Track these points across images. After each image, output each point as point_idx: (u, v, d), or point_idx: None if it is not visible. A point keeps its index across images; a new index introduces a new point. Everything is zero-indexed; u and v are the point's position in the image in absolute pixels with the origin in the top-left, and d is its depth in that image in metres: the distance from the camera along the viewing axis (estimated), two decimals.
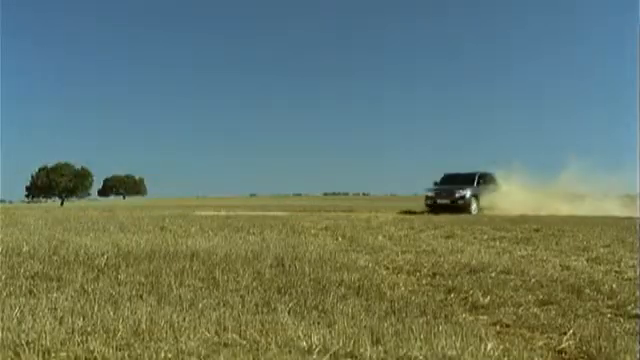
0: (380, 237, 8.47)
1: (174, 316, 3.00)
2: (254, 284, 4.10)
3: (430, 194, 21.79)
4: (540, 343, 2.75)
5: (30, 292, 3.75)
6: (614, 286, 4.13)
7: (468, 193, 20.95)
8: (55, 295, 3.63)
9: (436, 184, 22.65)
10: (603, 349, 2.59)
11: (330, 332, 2.74)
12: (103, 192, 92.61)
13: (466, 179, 22.07)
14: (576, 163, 24.41)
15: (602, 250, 6.64)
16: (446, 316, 3.20)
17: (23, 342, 2.48)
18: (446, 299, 3.79)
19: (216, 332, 2.73)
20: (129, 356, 2.38)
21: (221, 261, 5.20)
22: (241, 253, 5.84)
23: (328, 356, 2.40)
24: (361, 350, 2.46)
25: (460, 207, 20.29)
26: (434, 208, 20.86)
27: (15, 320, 2.89)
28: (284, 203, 40.15)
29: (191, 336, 2.65)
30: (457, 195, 20.92)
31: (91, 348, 2.43)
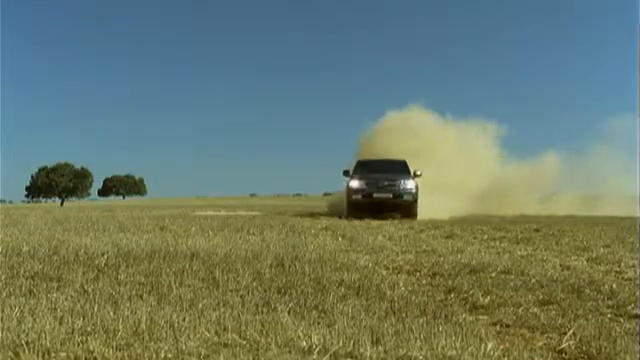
0: (380, 237, 8.47)
1: (174, 316, 3.00)
2: (254, 284, 4.10)
3: (358, 185, 14.08)
4: (540, 343, 2.75)
5: (30, 292, 3.75)
6: (614, 286, 4.12)
7: (414, 185, 13.99)
8: (55, 295, 3.62)
9: (347, 173, 15.07)
10: (603, 349, 2.59)
11: (330, 332, 2.74)
12: (103, 192, 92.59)
13: (397, 167, 15.10)
14: None
15: (602, 250, 6.64)
16: (446, 316, 3.20)
17: (23, 342, 2.48)
18: (446, 299, 3.79)
19: (216, 332, 2.73)
20: (129, 356, 2.38)
21: (221, 261, 5.20)
22: (241, 253, 5.84)
23: (328, 356, 2.40)
24: (361, 350, 2.46)
25: (406, 206, 13.81)
26: (363, 207, 13.81)
27: (15, 320, 2.89)
28: (283, 203, 40.16)
29: (191, 336, 2.65)
30: (402, 187, 13.91)
31: (91, 348, 2.43)
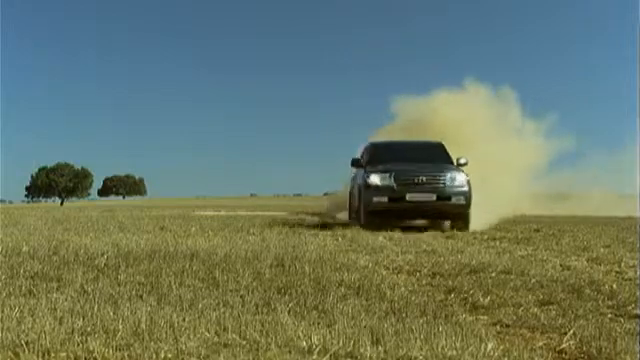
0: (380, 237, 8.46)
1: (174, 316, 2.99)
2: (254, 284, 4.10)
3: (381, 181, 9.39)
4: (540, 343, 2.74)
5: (30, 292, 3.75)
6: (614, 286, 4.12)
7: (465, 180, 9.42)
8: (55, 295, 3.62)
9: (358, 163, 10.52)
10: (603, 349, 2.59)
11: (330, 332, 2.73)
12: (103, 192, 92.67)
13: (432, 153, 10.48)
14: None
15: (602, 250, 6.64)
16: (446, 316, 3.20)
17: (23, 342, 2.48)
18: (446, 299, 3.79)
19: (216, 332, 2.73)
20: (129, 356, 2.38)
21: (221, 261, 5.19)
22: (241, 253, 5.84)
23: (328, 356, 2.39)
24: (361, 350, 2.46)
25: (455, 212, 9.41)
26: (390, 215, 9.46)
27: (15, 320, 2.89)
28: (283, 203, 40.22)
29: (191, 336, 2.64)
30: (449, 183, 9.40)
31: (91, 348, 2.43)
